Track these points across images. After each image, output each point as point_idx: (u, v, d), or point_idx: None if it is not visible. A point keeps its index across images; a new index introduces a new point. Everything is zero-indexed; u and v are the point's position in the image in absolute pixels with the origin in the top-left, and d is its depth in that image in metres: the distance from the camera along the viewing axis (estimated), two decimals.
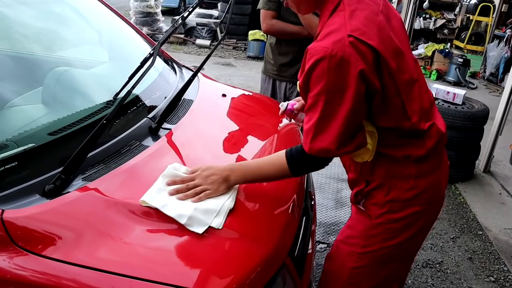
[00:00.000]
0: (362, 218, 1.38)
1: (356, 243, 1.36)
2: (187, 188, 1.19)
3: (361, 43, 1.08)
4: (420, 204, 1.29)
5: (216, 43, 1.49)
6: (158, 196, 1.14)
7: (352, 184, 1.43)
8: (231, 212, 1.16)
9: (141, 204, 1.10)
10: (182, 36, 8.99)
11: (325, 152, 1.16)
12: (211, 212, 1.12)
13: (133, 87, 1.16)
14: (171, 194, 1.17)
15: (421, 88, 1.25)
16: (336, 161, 1.46)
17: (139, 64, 1.29)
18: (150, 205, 1.10)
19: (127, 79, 1.33)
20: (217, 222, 1.10)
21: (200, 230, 1.06)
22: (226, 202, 1.18)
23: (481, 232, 3.03)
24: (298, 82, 1.20)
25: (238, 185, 1.27)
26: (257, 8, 2.59)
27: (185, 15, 1.40)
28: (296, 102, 1.59)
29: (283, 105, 1.59)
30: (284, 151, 1.26)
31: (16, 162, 1.11)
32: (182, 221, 1.06)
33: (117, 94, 1.36)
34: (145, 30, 9.12)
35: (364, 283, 1.38)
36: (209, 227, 1.08)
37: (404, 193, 1.27)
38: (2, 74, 1.64)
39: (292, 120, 1.65)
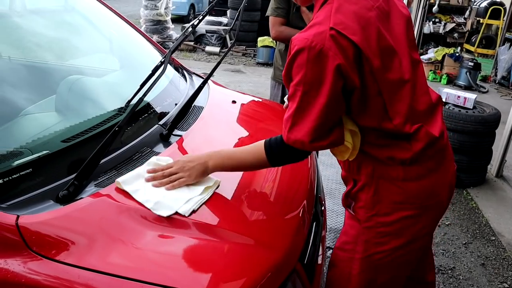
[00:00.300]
0: (353, 223, 1.35)
1: (351, 249, 1.34)
2: (163, 175, 1.20)
3: (342, 37, 1.06)
4: (412, 208, 1.24)
5: (226, 50, 1.51)
6: (133, 181, 1.17)
7: (344, 181, 1.42)
8: (240, 217, 1.17)
9: (116, 184, 1.14)
10: (192, 43, 9.06)
11: (299, 144, 1.15)
12: (180, 200, 1.13)
13: (144, 95, 1.18)
14: (147, 180, 1.19)
15: (415, 90, 1.20)
16: None
17: (150, 72, 1.31)
18: (122, 187, 1.14)
19: (138, 86, 1.35)
20: (185, 209, 1.11)
21: (165, 213, 1.08)
22: (200, 193, 1.19)
23: (494, 238, 2.99)
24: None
25: (218, 181, 1.26)
26: (266, 15, 2.61)
27: (195, 23, 1.42)
28: None
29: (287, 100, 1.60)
30: (263, 141, 1.25)
31: (31, 169, 1.14)
32: (149, 205, 1.10)
33: (129, 101, 1.38)
34: (155, 38, 9.21)
35: None
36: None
37: (392, 195, 1.24)
38: (17, 82, 1.68)
39: None
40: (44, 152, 1.20)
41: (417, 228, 1.27)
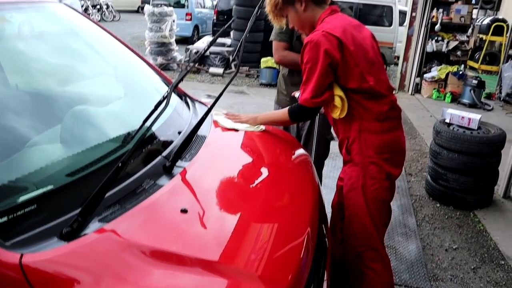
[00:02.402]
0: (353, 168, 1.95)
1: (356, 186, 1.93)
2: (234, 117, 2.05)
3: (329, 34, 1.79)
4: (387, 152, 1.91)
5: (228, 81, 1.53)
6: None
7: (340, 147, 2.04)
8: (241, 251, 1.17)
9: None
10: (196, 64, 9.14)
11: (305, 101, 1.87)
12: (241, 126, 1.98)
13: (147, 130, 1.19)
14: (227, 117, 2.04)
15: (380, 71, 1.91)
16: None
17: (153, 105, 1.32)
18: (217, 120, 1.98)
19: (142, 120, 1.36)
20: (241, 127, 1.97)
21: (235, 127, 1.96)
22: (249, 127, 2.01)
23: (503, 262, 2.95)
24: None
25: (262, 127, 2.03)
26: (270, 39, 2.64)
27: (197, 59, 1.43)
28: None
29: (296, 94, 2.10)
30: (288, 107, 2.01)
31: (35, 205, 1.14)
32: (227, 125, 1.95)
33: (132, 137, 1.39)
34: (159, 59, 9.33)
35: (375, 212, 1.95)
36: None
37: (374, 143, 1.89)
38: (21, 112, 1.69)
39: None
40: (49, 187, 1.21)
41: (391, 164, 1.93)
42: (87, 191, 1.18)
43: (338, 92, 1.87)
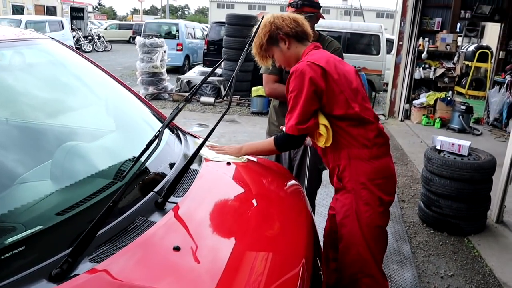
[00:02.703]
0: (346, 195, 1.97)
1: (350, 213, 1.95)
2: (218, 149, 2.05)
3: (313, 64, 1.87)
4: (379, 178, 1.94)
5: (220, 117, 1.55)
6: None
7: (331, 176, 2.07)
8: (238, 282, 1.15)
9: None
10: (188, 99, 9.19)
11: (291, 128, 1.91)
12: (222, 158, 1.96)
13: (138, 169, 1.18)
14: (211, 148, 2.05)
15: (364, 100, 1.97)
16: None
17: (145, 145, 1.32)
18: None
19: (133, 155, 1.36)
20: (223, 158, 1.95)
21: (215, 158, 1.94)
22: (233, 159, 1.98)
23: None
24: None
25: (245, 158, 2.03)
26: (260, 72, 2.68)
27: (188, 96, 1.44)
28: None
29: (283, 128, 2.10)
30: (274, 136, 2.07)
31: (24, 246, 1.12)
32: (210, 157, 1.93)
33: (124, 175, 1.38)
34: (151, 89, 9.38)
35: (371, 241, 1.96)
36: None
37: (365, 169, 1.92)
38: (11, 147, 1.68)
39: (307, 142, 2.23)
40: (38, 227, 1.18)
41: (385, 191, 1.96)
42: (78, 230, 1.16)
43: (322, 121, 1.93)
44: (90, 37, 22.20)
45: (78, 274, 1.08)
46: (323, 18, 2.72)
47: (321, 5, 2.62)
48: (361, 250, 1.95)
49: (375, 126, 1.96)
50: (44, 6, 23.41)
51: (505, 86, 8.10)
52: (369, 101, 2.00)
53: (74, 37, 19.35)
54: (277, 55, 2.04)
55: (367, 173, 1.92)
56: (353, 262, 1.98)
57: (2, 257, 1.06)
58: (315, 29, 2.59)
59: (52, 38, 2.15)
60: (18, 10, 21.91)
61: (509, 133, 3.93)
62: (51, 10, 23.46)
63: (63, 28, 16.92)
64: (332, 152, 2.00)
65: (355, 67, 2.18)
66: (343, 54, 2.66)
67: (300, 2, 2.52)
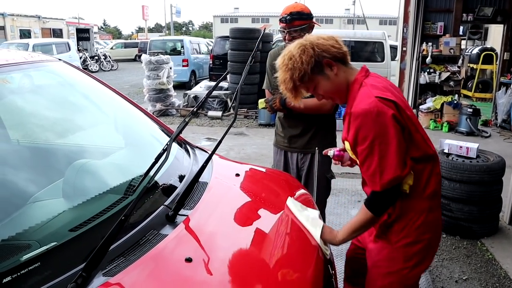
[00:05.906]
0: (384, 245, 1.70)
1: (385, 265, 1.70)
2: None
3: (385, 100, 1.52)
4: (430, 232, 1.66)
5: (226, 129, 1.57)
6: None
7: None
8: None
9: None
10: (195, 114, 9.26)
11: (395, 180, 1.52)
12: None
13: (148, 183, 1.21)
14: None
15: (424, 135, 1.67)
16: None
17: (154, 159, 1.35)
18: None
19: (143, 170, 1.38)
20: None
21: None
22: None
23: None
24: (344, 140, 1.69)
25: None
26: (263, 88, 2.72)
27: (195, 109, 1.47)
28: (337, 149, 1.94)
29: (330, 153, 1.94)
30: (363, 204, 1.63)
31: (39, 263, 1.14)
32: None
33: (134, 190, 1.41)
34: (158, 106, 9.46)
35: None
36: None
37: (416, 224, 1.63)
38: (23, 167, 1.72)
39: (341, 162, 1.95)
40: (52, 244, 1.21)
41: (430, 250, 1.71)
42: (91, 245, 1.18)
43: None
44: (96, 57, 22.51)
45: None
46: (318, 25, 2.68)
47: (312, 14, 2.57)
48: None
49: (439, 170, 1.72)
50: (50, 29, 23.81)
51: (511, 87, 8.07)
52: None
53: (80, 57, 19.64)
54: (324, 85, 1.63)
55: (419, 227, 1.64)
56: None
57: (19, 273, 1.09)
58: None
59: (59, 59, 2.20)
60: (25, 34, 22.31)
61: None
62: (57, 33, 23.86)
63: (69, 49, 17.20)
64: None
65: None
66: None
67: (288, 17, 2.49)
